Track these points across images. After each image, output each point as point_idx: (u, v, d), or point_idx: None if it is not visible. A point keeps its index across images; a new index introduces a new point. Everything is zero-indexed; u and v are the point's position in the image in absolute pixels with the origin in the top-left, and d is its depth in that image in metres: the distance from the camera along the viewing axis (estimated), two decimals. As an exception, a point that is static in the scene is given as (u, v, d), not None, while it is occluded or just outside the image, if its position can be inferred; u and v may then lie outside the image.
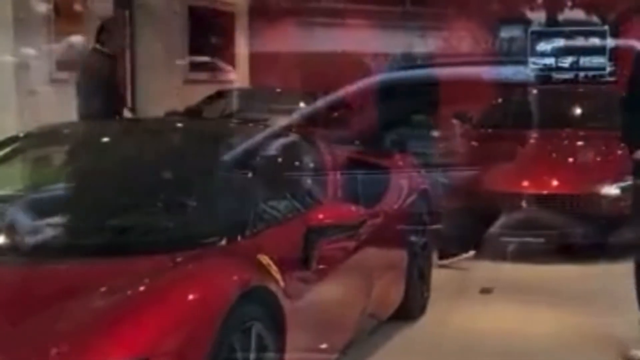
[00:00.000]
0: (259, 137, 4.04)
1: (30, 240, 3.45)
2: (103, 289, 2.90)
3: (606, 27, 11.87)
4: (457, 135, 7.72)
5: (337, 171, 4.31)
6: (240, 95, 10.09)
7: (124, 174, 3.91)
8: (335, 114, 8.86)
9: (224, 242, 3.27)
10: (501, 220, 6.61)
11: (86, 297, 2.84)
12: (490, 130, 7.85)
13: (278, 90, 10.12)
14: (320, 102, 8.40)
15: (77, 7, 8.53)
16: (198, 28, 11.30)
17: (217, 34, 11.98)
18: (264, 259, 3.21)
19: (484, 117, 8.09)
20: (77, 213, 3.67)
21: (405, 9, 12.40)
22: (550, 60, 11.97)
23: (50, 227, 3.52)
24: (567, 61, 11.90)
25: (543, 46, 12.07)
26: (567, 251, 6.64)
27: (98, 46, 6.59)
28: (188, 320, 2.75)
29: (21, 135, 4.33)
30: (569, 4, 12.38)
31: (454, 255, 6.37)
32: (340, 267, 3.88)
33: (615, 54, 11.55)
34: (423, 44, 7.38)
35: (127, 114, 8.17)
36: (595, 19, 12.28)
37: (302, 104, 8.78)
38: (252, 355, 2.97)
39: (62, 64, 8.18)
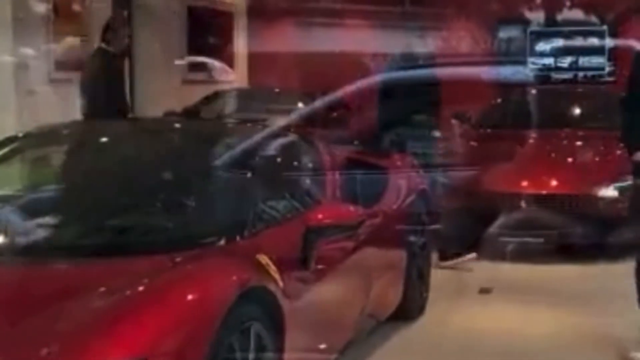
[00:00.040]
0: (257, 137, 4.04)
1: (29, 240, 3.45)
2: (102, 289, 2.90)
3: (605, 27, 11.87)
4: (457, 135, 7.72)
5: (335, 171, 4.31)
6: (238, 95, 10.09)
7: (123, 174, 3.91)
8: (334, 114, 8.87)
9: (222, 242, 3.27)
10: (500, 221, 6.62)
11: (85, 297, 2.84)
12: (489, 130, 7.85)
13: (276, 90, 10.11)
14: (319, 102, 8.40)
15: (76, 7, 8.52)
16: (197, 28, 11.30)
17: (216, 34, 11.98)
18: (263, 259, 3.21)
19: (483, 117, 8.09)
20: (76, 213, 3.66)
21: (404, 9, 12.39)
22: (549, 60, 11.96)
23: (49, 227, 3.52)
24: (566, 61, 11.90)
25: (542, 46, 12.06)
26: (566, 251, 6.64)
27: (103, 45, 6.58)
28: (187, 320, 2.75)
29: (20, 135, 4.32)
30: (568, 4, 12.38)
31: (455, 256, 6.36)
32: (339, 267, 3.88)
33: (614, 54, 11.55)
34: (422, 44, 7.37)
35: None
36: (594, 19, 12.28)
37: (300, 104, 8.78)
38: (251, 355, 2.97)
39: (61, 64, 8.17)
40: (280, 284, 3.18)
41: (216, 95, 9.88)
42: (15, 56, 7.60)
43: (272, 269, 3.19)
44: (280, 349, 3.15)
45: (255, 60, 12.37)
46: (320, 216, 3.56)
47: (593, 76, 11.69)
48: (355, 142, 6.67)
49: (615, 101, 5.59)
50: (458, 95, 6.83)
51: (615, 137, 5.82)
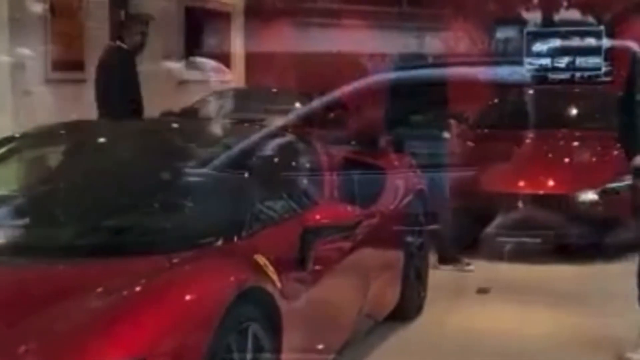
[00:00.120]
0: (255, 137, 4.04)
1: (26, 240, 3.44)
2: (100, 290, 2.89)
3: (602, 28, 11.88)
4: (454, 135, 7.71)
5: (333, 171, 4.31)
6: (236, 95, 10.09)
7: (120, 174, 3.91)
8: (332, 114, 8.87)
9: (220, 242, 3.27)
10: (498, 221, 6.62)
11: (83, 297, 2.83)
12: (486, 131, 7.86)
13: (274, 90, 10.12)
14: (316, 103, 8.40)
15: (74, 7, 8.51)
16: (194, 28, 11.29)
17: (213, 34, 11.97)
18: (261, 260, 3.20)
19: (481, 117, 8.10)
20: (73, 213, 3.66)
21: (401, 10, 12.40)
22: (546, 61, 11.97)
23: (47, 228, 3.52)
24: (563, 61, 11.91)
25: (539, 46, 12.08)
26: (563, 251, 6.65)
27: (118, 42, 6.59)
28: (185, 320, 2.75)
29: (17, 135, 4.32)
30: (565, 4, 12.39)
31: (454, 261, 6.36)
32: (337, 267, 3.88)
33: (611, 55, 11.56)
34: (419, 45, 7.38)
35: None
36: (591, 19, 12.29)
37: (298, 104, 8.78)
38: (249, 356, 2.97)
39: (58, 64, 8.17)
40: (278, 284, 3.17)
41: (213, 96, 9.88)
42: (11, 56, 7.59)
43: (270, 270, 3.19)
44: (277, 350, 3.15)
45: (252, 61, 12.37)
46: (317, 216, 3.56)
47: (590, 76, 11.70)
48: (353, 142, 6.67)
49: (612, 101, 5.61)
50: (455, 96, 6.82)
51: (612, 137, 5.83)
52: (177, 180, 3.78)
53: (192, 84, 10.86)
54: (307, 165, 4.29)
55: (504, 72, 11.02)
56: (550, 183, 6.91)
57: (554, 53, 11.97)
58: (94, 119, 6.13)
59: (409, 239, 5.00)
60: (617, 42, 10.95)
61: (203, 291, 2.88)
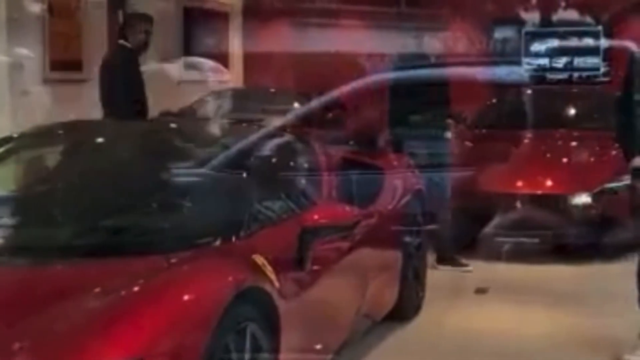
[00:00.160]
0: (253, 137, 4.04)
1: (24, 240, 3.44)
2: (98, 290, 2.89)
3: (600, 28, 11.89)
4: (452, 135, 7.72)
5: (331, 172, 4.31)
6: (234, 95, 10.08)
7: (118, 174, 3.90)
8: (330, 115, 8.87)
9: (218, 242, 3.27)
10: (496, 221, 6.62)
11: (81, 297, 2.83)
12: (484, 131, 7.86)
13: (272, 90, 10.11)
14: (315, 103, 8.40)
15: (72, 7, 8.50)
16: (192, 28, 11.29)
17: (212, 34, 11.97)
18: (259, 260, 3.20)
19: (478, 117, 8.10)
20: (71, 214, 3.65)
21: (399, 10, 12.40)
22: (544, 61, 11.98)
23: (45, 228, 3.51)
24: (561, 61, 11.91)
25: (537, 46, 12.08)
26: (561, 251, 6.65)
27: (121, 41, 6.60)
28: (183, 320, 2.75)
29: (15, 135, 4.31)
30: (563, 4, 12.40)
31: (453, 261, 6.37)
32: (335, 267, 3.88)
33: (609, 55, 11.57)
34: (417, 45, 7.39)
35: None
36: (589, 19, 12.30)
37: (296, 105, 8.78)
38: (247, 356, 2.96)
39: (56, 64, 8.16)
40: (276, 284, 3.17)
41: (212, 96, 9.87)
42: (9, 56, 7.59)
43: (268, 270, 3.19)
44: (276, 350, 3.15)
45: (250, 61, 12.36)
46: (315, 216, 3.56)
47: (588, 76, 11.71)
48: (351, 143, 6.67)
49: (610, 101, 5.61)
50: (454, 96, 6.82)
51: (610, 137, 5.83)
52: (175, 180, 3.78)
53: (190, 84, 10.86)
54: (306, 165, 4.29)
55: (502, 72, 11.03)
56: (549, 183, 6.91)
57: (552, 53, 11.98)
58: (92, 119, 6.12)
59: (407, 239, 5.00)
60: (615, 42, 10.96)
61: (201, 291, 2.88)
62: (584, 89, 10.58)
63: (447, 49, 11.93)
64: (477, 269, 6.31)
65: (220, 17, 12.23)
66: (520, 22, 12.48)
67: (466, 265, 6.36)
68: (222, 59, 12.04)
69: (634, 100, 4.34)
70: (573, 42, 11.94)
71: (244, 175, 3.67)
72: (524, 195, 6.74)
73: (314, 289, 3.57)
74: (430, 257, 5.92)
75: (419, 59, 6.83)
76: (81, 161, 4.18)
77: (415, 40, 7.30)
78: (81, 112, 6.86)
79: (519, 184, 6.85)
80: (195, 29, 11.37)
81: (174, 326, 2.71)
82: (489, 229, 6.68)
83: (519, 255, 6.58)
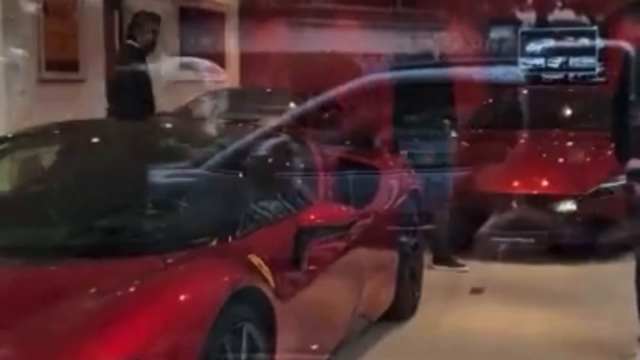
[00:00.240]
0: (249, 137, 4.04)
1: (19, 241, 3.43)
2: (93, 290, 2.89)
3: (595, 28, 11.91)
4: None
5: (327, 172, 4.31)
6: (230, 95, 10.07)
7: (114, 174, 3.90)
8: (326, 115, 8.86)
9: (214, 242, 3.26)
10: (491, 221, 6.63)
11: (77, 298, 2.83)
12: (480, 131, 7.86)
13: (268, 90, 10.10)
14: (311, 103, 8.39)
15: (68, 6, 8.49)
16: (188, 28, 11.29)
17: (208, 34, 11.96)
18: (255, 260, 3.20)
19: (475, 117, 8.10)
20: (67, 214, 3.65)
21: (395, 10, 12.41)
22: (540, 61, 11.99)
23: (40, 228, 3.51)
24: (556, 61, 11.93)
25: (533, 47, 12.10)
26: (557, 251, 6.66)
27: (129, 41, 6.64)
28: (179, 321, 2.75)
29: (10, 136, 4.31)
30: (559, 4, 12.41)
31: (449, 261, 6.37)
32: (331, 267, 3.88)
33: (604, 55, 11.58)
34: (417, 45, 7.39)
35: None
36: (584, 19, 12.31)
37: (292, 105, 8.77)
38: (243, 356, 2.96)
39: (52, 64, 8.15)
40: (272, 284, 3.17)
41: (207, 96, 9.86)
42: (5, 56, 7.57)
43: (264, 270, 3.19)
44: (272, 350, 3.15)
45: (247, 61, 12.36)
46: (312, 217, 3.56)
47: (584, 76, 11.73)
48: (347, 143, 6.67)
49: (606, 101, 5.61)
50: (452, 96, 6.81)
51: (606, 137, 5.84)
52: (171, 180, 3.77)
53: (186, 84, 10.85)
54: (302, 165, 4.29)
55: (498, 72, 11.04)
56: (544, 183, 6.92)
57: (548, 53, 11.99)
58: (88, 119, 6.11)
59: (404, 239, 5.00)
60: (611, 43, 10.98)
61: (197, 291, 2.88)
62: (580, 89, 10.59)
63: (443, 49, 11.93)
64: (473, 269, 6.32)
65: (217, 17, 12.22)
66: (517, 22, 12.49)
67: (462, 265, 6.36)
68: (219, 58, 12.04)
69: (629, 101, 4.34)
70: (569, 42, 11.96)
71: (240, 175, 3.67)
72: (520, 195, 6.74)
73: (310, 289, 3.57)
74: (427, 257, 5.92)
75: (423, 59, 6.83)
76: (76, 161, 4.18)
77: (412, 40, 7.28)
78: (78, 112, 6.85)
79: (515, 184, 6.86)
80: (192, 29, 11.36)
81: (169, 326, 2.71)
82: (485, 229, 6.69)
83: (515, 255, 6.59)
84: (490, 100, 8.74)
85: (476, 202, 6.68)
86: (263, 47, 11.90)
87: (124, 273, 2.98)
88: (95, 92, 8.46)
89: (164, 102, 9.28)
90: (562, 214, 6.60)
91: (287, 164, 4.28)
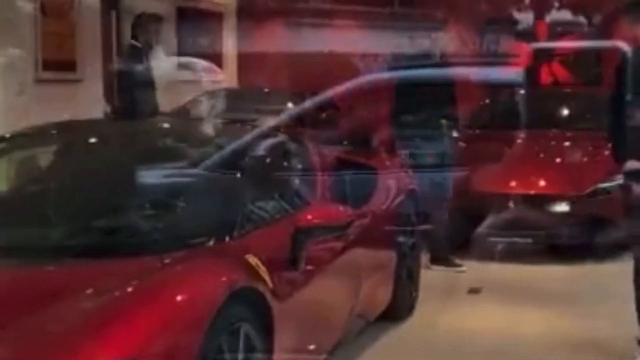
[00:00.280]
0: (247, 137, 4.04)
1: (17, 241, 3.43)
2: (91, 290, 2.89)
3: (593, 28, 11.92)
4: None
5: (325, 172, 4.31)
6: (228, 95, 10.07)
7: (111, 174, 3.90)
8: (324, 115, 8.86)
9: (212, 243, 3.26)
10: (489, 221, 6.64)
11: (74, 298, 2.82)
12: (478, 131, 7.87)
13: (266, 90, 10.11)
14: (309, 103, 8.39)
15: (65, 6, 8.48)
16: (186, 28, 11.29)
17: (205, 34, 11.96)
18: (252, 260, 3.20)
19: (472, 117, 8.11)
20: (64, 214, 3.65)
21: (393, 10, 12.42)
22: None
23: (37, 228, 3.50)
24: (552, 62, 11.93)
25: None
26: (554, 251, 6.66)
27: (133, 41, 6.70)
28: (176, 321, 2.75)
29: (7, 136, 4.30)
30: (556, 4, 12.42)
31: (447, 262, 6.37)
32: (329, 267, 3.88)
33: (602, 55, 11.58)
34: (411, 45, 7.40)
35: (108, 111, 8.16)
36: (582, 19, 12.33)
37: (290, 105, 8.78)
38: (241, 356, 2.96)
39: (49, 64, 8.14)
40: (270, 284, 3.17)
41: (205, 96, 9.86)
42: (2, 56, 7.57)
43: (262, 270, 3.19)
44: (269, 350, 3.15)
45: (244, 61, 12.36)
46: (309, 217, 3.56)
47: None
48: (345, 143, 6.67)
49: (603, 101, 5.62)
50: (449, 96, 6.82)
51: (603, 137, 5.84)
52: (169, 180, 3.77)
53: (184, 84, 10.85)
54: (299, 165, 4.29)
55: (496, 73, 11.04)
56: (542, 183, 6.93)
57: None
58: (85, 119, 6.11)
59: (401, 239, 5.00)
60: (608, 43, 10.99)
61: (194, 291, 2.88)
62: (577, 89, 10.59)
63: (441, 49, 11.95)
64: (470, 269, 6.32)
65: (214, 17, 12.23)
66: (514, 23, 12.50)
67: (460, 265, 6.37)
68: (216, 58, 12.04)
69: (625, 101, 4.34)
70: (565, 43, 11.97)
71: (238, 175, 3.67)
72: (517, 195, 6.75)
73: (307, 289, 3.57)
74: (424, 257, 5.93)
75: (423, 59, 6.83)
76: (74, 162, 4.17)
77: (410, 40, 7.29)
78: (75, 112, 6.85)
79: (513, 184, 6.87)
80: (189, 29, 11.36)
81: (167, 326, 2.71)
82: (482, 229, 6.69)
83: (512, 255, 6.59)
84: (488, 101, 8.75)
85: (474, 202, 6.68)
86: (261, 47, 11.91)
87: (122, 273, 2.98)
88: (93, 92, 8.46)
89: (161, 102, 9.28)
90: (559, 214, 6.61)
91: (285, 164, 4.28)
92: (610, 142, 4.62)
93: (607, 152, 6.41)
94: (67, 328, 2.66)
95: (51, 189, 4.01)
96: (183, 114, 9.07)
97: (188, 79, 11.15)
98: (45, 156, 4.30)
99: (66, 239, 3.40)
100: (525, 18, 12.54)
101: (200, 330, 2.74)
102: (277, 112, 7.56)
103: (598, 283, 5.81)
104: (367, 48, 11.60)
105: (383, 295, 4.76)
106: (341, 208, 3.87)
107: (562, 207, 6.63)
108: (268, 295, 3.13)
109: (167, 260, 3.09)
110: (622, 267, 4.54)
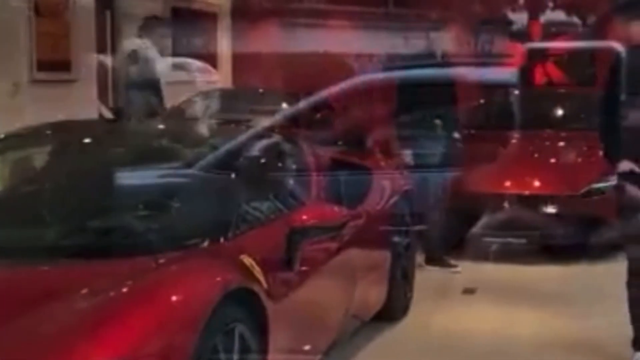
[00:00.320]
0: (241, 138, 4.04)
1: (11, 242, 3.43)
2: (85, 291, 2.88)
3: (587, 29, 11.96)
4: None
5: (320, 172, 4.31)
6: (222, 95, 10.06)
7: (106, 175, 3.89)
8: (318, 115, 8.86)
9: (206, 243, 3.26)
10: (483, 221, 6.64)
11: (69, 298, 2.82)
12: (472, 132, 7.88)
13: (260, 91, 10.10)
14: (303, 103, 8.39)
15: (59, 7, 8.47)
16: (181, 29, 11.28)
17: (200, 34, 11.96)
18: (247, 260, 3.20)
19: (466, 118, 8.11)
20: (58, 215, 3.64)
21: (387, 10, 12.44)
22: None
23: (31, 229, 3.50)
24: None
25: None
26: (549, 251, 6.68)
27: (140, 42, 6.79)
28: (171, 321, 2.75)
29: (1, 136, 4.30)
30: (551, 5, 12.45)
31: (441, 262, 6.38)
32: (323, 268, 3.88)
33: (596, 55, 11.61)
34: (405, 45, 7.41)
35: (107, 114, 8.17)
36: (576, 19, 12.36)
37: (284, 105, 8.77)
38: (235, 357, 2.96)
39: (44, 64, 8.14)
40: (264, 285, 3.17)
41: (200, 96, 9.85)
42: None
43: (256, 270, 3.19)
44: (264, 350, 3.15)
45: (239, 61, 12.37)
46: (304, 217, 3.56)
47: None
48: (340, 143, 6.67)
49: (597, 102, 5.62)
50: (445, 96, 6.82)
51: (597, 137, 5.84)
52: (163, 181, 3.77)
53: (178, 84, 10.84)
54: (294, 165, 4.29)
55: (490, 73, 11.05)
56: (536, 183, 6.94)
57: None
58: (80, 120, 6.10)
59: (396, 239, 5.01)
60: (602, 43, 11.00)
61: (189, 292, 2.88)
62: (571, 89, 10.61)
63: (436, 49, 11.95)
64: (465, 269, 6.33)
65: (209, 18, 12.23)
66: (508, 23, 12.53)
67: (455, 265, 6.37)
68: (211, 59, 12.04)
69: (618, 101, 4.34)
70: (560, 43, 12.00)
71: (232, 176, 3.67)
72: (511, 196, 6.76)
73: (302, 290, 3.57)
74: (419, 258, 5.93)
75: (425, 59, 6.83)
76: (69, 162, 4.17)
77: (404, 40, 7.30)
78: (70, 113, 6.84)
79: (507, 184, 6.88)
80: (184, 30, 11.35)
81: (162, 327, 2.71)
82: (477, 229, 6.70)
83: (507, 255, 6.60)
84: (482, 101, 8.76)
85: (468, 203, 6.69)
86: (255, 48, 11.91)
87: (116, 273, 2.98)
88: (87, 92, 8.45)
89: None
90: (553, 214, 6.62)
91: (280, 164, 4.28)
92: (602, 142, 4.61)
93: (601, 153, 6.43)
94: (61, 328, 2.66)
95: (46, 190, 4.00)
96: (177, 114, 9.06)
97: (182, 79, 11.15)
98: (39, 157, 4.29)
99: (61, 239, 3.40)
100: (519, 18, 12.57)
101: (195, 331, 2.73)
102: (272, 113, 7.55)
103: (592, 283, 5.82)
104: (361, 48, 11.61)
105: (378, 296, 4.76)
106: (336, 208, 3.87)
107: (560, 207, 6.63)
108: (263, 296, 3.13)
109: (161, 261, 3.09)
110: (616, 268, 4.55)
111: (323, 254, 3.88)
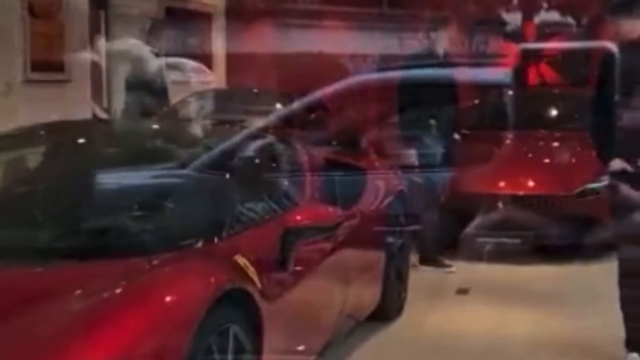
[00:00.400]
0: (235, 138, 4.04)
1: (4, 242, 3.42)
2: (79, 292, 2.88)
3: (581, 29, 11.98)
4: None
5: (314, 172, 4.31)
6: (216, 96, 10.06)
7: (100, 175, 3.89)
8: (312, 116, 8.87)
9: (200, 244, 3.26)
10: (478, 221, 6.65)
11: (63, 299, 2.82)
12: (466, 132, 7.89)
13: (255, 91, 10.10)
14: (297, 104, 8.40)
15: (53, 7, 8.46)
16: (175, 29, 11.28)
17: (194, 35, 11.95)
18: (241, 261, 3.20)
19: (460, 118, 8.12)
20: (52, 216, 3.64)
21: (381, 11, 12.45)
22: (525, 62, 12.03)
23: (25, 230, 3.49)
24: (542, 62, 11.98)
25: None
26: (543, 251, 6.69)
27: (146, 46, 6.87)
28: (165, 322, 2.74)
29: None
30: (545, 5, 12.47)
31: (435, 262, 6.39)
32: (318, 268, 3.88)
33: (589, 55, 11.64)
34: (400, 45, 7.42)
35: (101, 114, 8.18)
36: (570, 20, 12.38)
37: (278, 105, 8.77)
38: (230, 357, 2.96)
39: (37, 65, 8.12)
40: (259, 285, 3.17)
41: (194, 96, 9.85)
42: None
43: (251, 271, 3.19)
44: (258, 351, 3.15)
45: (233, 61, 12.36)
46: (298, 217, 3.56)
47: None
48: (334, 143, 6.68)
49: (591, 102, 5.63)
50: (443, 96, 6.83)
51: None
52: (157, 181, 3.77)
53: (173, 84, 10.83)
54: (288, 166, 4.29)
55: (484, 73, 11.08)
56: (530, 184, 6.95)
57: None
58: (74, 120, 6.09)
59: (390, 239, 5.01)
60: (596, 43, 11.03)
61: (183, 293, 2.88)
62: (565, 89, 10.64)
63: (433, 49, 11.96)
64: (459, 270, 6.34)
65: (203, 18, 12.22)
66: (503, 24, 12.55)
67: (449, 266, 6.38)
68: (205, 59, 12.02)
69: (610, 101, 4.34)
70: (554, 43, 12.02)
71: (227, 176, 3.67)
72: (505, 196, 6.77)
73: (296, 290, 3.57)
74: (413, 258, 5.94)
75: (425, 58, 6.83)
76: (62, 162, 4.16)
77: (399, 41, 7.30)
78: (63, 113, 6.84)
79: (501, 184, 6.89)
80: (178, 30, 11.34)
81: (156, 327, 2.70)
82: (471, 229, 6.71)
83: (501, 255, 6.61)
84: (476, 101, 8.78)
85: (462, 203, 6.70)
86: (250, 48, 11.91)
87: (110, 274, 2.97)
88: (81, 92, 8.44)
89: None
90: (547, 214, 6.63)
91: (274, 164, 4.28)
92: (594, 143, 4.61)
93: (594, 152, 6.44)
94: (55, 329, 2.65)
95: (39, 190, 3.99)
96: (172, 114, 9.05)
97: (177, 79, 11.13)
98: (33, 157, 4.28)
99: (54, 240, 3.39)
100: (513, 19, 12.58)
101: (189, 331, 2.73)
102: (266, 113, 7.55)
103: (586, 283, 5.84)
104: (355, 49, 11.62)
105: (372, 296, 4.76)
106: (330, 209, 3.88)
107: (551, 208, 6.65)
108: (257, 296, 3.12)
109: (155, 262, 3.09)
110: (610, 268, 4.56)
111: (317, 254, 3.89)
